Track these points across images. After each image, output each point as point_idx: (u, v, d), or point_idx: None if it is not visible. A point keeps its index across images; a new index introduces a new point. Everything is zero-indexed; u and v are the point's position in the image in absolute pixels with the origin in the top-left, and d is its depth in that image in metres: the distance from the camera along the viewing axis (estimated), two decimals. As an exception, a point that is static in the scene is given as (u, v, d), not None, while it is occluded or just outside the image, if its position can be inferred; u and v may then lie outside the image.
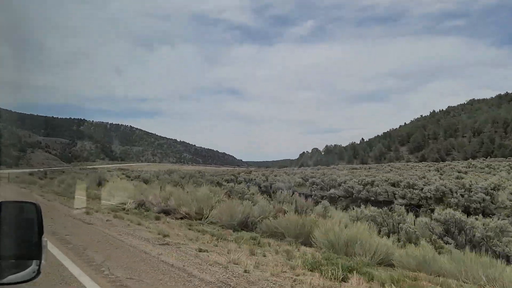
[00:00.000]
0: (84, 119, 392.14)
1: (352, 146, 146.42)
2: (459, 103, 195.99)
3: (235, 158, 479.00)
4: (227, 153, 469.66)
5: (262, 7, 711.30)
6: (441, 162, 75.66)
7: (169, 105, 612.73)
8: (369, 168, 66.16)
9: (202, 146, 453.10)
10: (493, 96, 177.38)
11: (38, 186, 30.62)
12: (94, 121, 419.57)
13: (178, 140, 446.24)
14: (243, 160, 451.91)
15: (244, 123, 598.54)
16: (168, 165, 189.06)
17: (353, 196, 23.09)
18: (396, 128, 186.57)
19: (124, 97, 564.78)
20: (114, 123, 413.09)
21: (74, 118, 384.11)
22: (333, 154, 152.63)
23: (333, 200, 22.73)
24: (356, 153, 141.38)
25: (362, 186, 24.35)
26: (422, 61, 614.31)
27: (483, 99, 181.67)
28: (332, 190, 24.87)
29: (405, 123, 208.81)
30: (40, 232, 1.89)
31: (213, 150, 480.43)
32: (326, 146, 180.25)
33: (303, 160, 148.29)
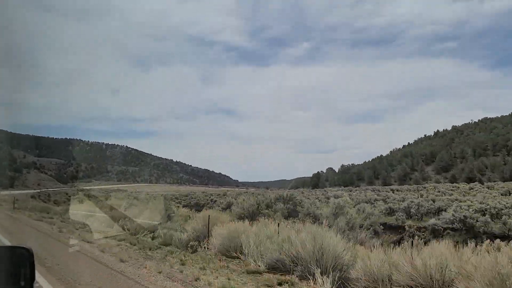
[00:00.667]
0: (79, 139, 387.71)
1: (372, 165, 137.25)
2: (466, 122, 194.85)
3: (231, 178, 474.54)
4: (222, 173, 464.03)
5: (258, 28, 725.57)
6: (478, 183, 72.22)
7: (165, 125, 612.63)
8: (409, 190, 60.86)
9: (199, 167, 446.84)
10: (505, 115, 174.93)
11: (57, 216, 23.78)
12: (90, 141, 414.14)
13: (174, 160, 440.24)
14: (239, 181, 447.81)
15: (240, 143, 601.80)
16: (167, 186, 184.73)
17: (474, 229, 18.69)
18: (401, 147, 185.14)
19: (119, 117, 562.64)
20: (109, 143, 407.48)
21: (69, 138, 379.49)
22: (351, 174, 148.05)
23: (436, 234, 18.70)
24: (378, 173, 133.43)
25: (481, 215, 20.01)
26: (415, 82, 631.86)
27: (496, 117, 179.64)
28: (433, 220, 20.44)
29: (408, 143, 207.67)
30: (32, 278, 1.87)
31: (209, 170, 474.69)
32: (342, 165, 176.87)
33: (320, 180, 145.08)
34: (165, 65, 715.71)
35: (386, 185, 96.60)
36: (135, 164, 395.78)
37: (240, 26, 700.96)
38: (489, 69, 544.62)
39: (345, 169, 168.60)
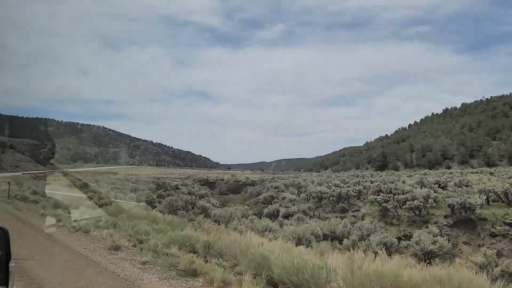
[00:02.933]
0: (52, 119, 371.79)
1: (382, 152, 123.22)
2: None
3: (211, 160, 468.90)
4: (203, 155, 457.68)
5: (232, 10, 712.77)
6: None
7: (138, 108, 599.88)
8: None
9: (180, 148, 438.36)
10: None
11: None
12: (63, 121, 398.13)
13: (154, 142, 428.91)
14: (220, 163, 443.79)
15: (216, 125, 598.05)
16: (156, 168, 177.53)
17: None
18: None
19: (90, 99, 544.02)
20: (85, 123, 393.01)
21: (41, 118, 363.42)
22: (356, 157, 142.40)
23: None
24: (387, 158, 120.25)
25: None
26: (388, 67, 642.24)
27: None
28: None
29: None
30: (8, 257, 1.89)
31: (191, 152, 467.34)
32: (344, 148, 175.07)
33: (322, 163, 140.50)
34: (137, 45, 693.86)
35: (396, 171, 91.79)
36: (113, 146, 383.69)
37: (214, 6, 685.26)
38: (459, 54, 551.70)
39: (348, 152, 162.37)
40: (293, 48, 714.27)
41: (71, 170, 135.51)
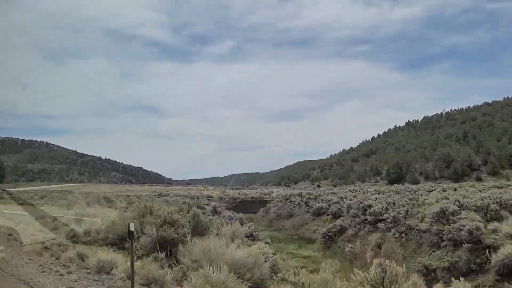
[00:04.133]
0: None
1: (396, 163, 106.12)
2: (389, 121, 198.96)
3: (163, 176, 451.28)
4: (153, 171, 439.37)
5: (180, 25, 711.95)
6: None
7: (83, 122, 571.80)
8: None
9: (131, 164, 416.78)
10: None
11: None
12: (1, 136, 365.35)
13: (103, 157, 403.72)
14: (172, 179, 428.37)
15: (165, 140, 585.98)
16: (111, 185, 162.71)
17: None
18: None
19: (29, 113, 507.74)
20: (26, 138, 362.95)
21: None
22: (334, 171, 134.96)
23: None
24: (402, 170, 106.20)
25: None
26: (333, 83, 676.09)
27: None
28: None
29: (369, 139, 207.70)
30: None
31: (143, 168, 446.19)
32: (304, 161, 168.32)
33: (291, 176, 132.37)
34: (81, 58, 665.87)
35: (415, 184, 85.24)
36: (59, 162, 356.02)
37: (162, 21, 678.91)
38: (398, 72, 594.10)
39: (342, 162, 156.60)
40: (242, 64, 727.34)
41: (16, 189, 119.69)
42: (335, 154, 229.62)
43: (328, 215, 30.15)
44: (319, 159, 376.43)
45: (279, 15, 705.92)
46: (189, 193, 79.41)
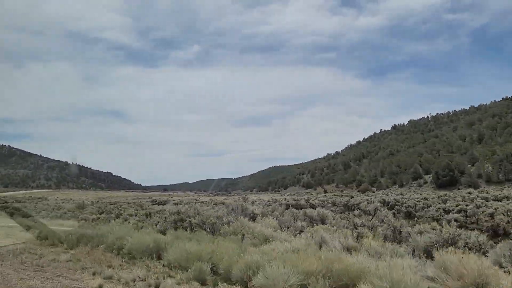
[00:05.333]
0: None
1: (447, 164, 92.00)
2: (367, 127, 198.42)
3: (132, 182, 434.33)
4: (122, 176, 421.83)
5: (145, 28, 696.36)
6: None
7: (42, 127, 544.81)
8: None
9: (100, 170, 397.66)
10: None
11: None
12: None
13: (70, 162, 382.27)
14: (142, 185, 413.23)
15: (131, 145, 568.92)
16: (84, 191, 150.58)
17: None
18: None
19: None
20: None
21: None
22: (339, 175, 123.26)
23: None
24: (454, 172, 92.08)
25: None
26: (299, 89, 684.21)
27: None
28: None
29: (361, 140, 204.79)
30: None
31: (112, 174, 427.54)
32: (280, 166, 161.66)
33: (279, 182, 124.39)
34: (40, 61, 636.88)
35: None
36: (22, 167, 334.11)
37: (127, 24, 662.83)
38: (361, 79, 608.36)
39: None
40: (208, 69, 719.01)
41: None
42: (318, 158, 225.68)
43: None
44: (291, 164, 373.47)
45: (246, 21, 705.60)
46: (196, 200, 71.08)
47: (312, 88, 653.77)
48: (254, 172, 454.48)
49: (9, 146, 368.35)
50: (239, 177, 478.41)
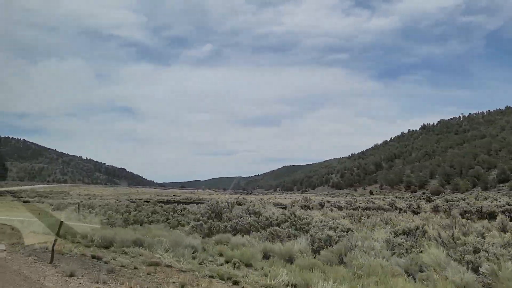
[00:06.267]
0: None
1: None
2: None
3: (144, 178, 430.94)
4: (135, 173, 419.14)
5: (159, 26, 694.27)
6: None
7: (56, 122, 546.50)
8: None
9: (113, 165, 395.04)
10: None
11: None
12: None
13: (84, 157, 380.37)
14: (154, 181, 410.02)
15: (141, 143, 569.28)
16: (103, 188, 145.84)
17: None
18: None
19: (2, 112, 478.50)
20: (1, 135, 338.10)
21: None
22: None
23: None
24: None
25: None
26: (310, 90, 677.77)
27: None
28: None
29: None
30: None
31: (125, 169, 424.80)
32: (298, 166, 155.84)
33: (304, 181, 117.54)
34: (55, 57, 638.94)
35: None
36: (38, 161, 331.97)
37: (140, 22, 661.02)
38: (373, 81, 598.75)
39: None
40: (220, 68, 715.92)
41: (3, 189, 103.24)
42: (341, 158, 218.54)
43: None
44: (304, 164, 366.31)
45: (258, 21, 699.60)
46: (238, 199, 64.95)
47: (323, 89, 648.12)
48: (267, 171, 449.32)
49: (24, 140, 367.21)
50: (251, 176, 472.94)
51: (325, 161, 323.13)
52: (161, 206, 31.35)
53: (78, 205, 18.54)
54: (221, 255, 9.75)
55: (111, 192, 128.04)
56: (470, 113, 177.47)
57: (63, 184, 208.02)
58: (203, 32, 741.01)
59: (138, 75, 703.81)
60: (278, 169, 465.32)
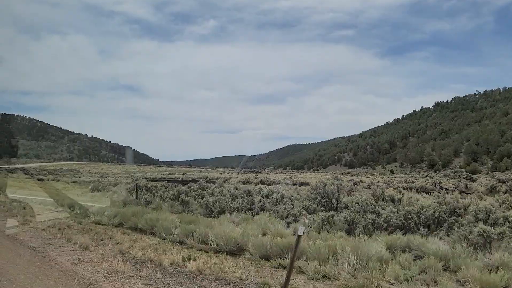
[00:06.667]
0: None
1: None
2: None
3: (149, 157, 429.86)
4: (139, 151, 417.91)
5: (162, 2, 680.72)
6: None
7: (59, 100, 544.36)
8: None
9: (119, 143, 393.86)
10: None
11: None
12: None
13: (90, 135, 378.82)
14: (160, 160, 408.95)
15: (146, 120, 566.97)
16: (112, 166, 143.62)
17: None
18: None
19: (4, 90, 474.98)
20: (7, 113, 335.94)
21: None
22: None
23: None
24: None
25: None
26: (316, 67, 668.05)
27: None
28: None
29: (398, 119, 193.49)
30: None
31: (131, 148, 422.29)
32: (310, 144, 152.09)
33: (318, 161, 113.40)
34: (58, 34, 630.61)
35: None
36: (44, 139, 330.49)
37: None
38: (380, 58, 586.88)
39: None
40: (224, 45, 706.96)
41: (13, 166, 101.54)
42: (350, 136, 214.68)
43: None
44: (310, 142, 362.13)
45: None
46: (271, 180, 62.10)
47: (328, 66, 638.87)
48: (272, 150, 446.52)
49: (29, 117, 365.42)
50: (256, 155, 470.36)
51: (330, 139, 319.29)
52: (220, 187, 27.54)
53: (135, 187, 15.50)
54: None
55: (120, 170, 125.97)
56: (486, 90, 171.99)
57: (70, 162, 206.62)
58: (207, 8, 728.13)
59: (142, 52, 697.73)
60: (283, 147, 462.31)
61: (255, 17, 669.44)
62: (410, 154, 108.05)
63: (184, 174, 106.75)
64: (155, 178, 70.39)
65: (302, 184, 47.86)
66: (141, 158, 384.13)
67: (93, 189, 23.81)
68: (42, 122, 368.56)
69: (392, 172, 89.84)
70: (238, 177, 64.73)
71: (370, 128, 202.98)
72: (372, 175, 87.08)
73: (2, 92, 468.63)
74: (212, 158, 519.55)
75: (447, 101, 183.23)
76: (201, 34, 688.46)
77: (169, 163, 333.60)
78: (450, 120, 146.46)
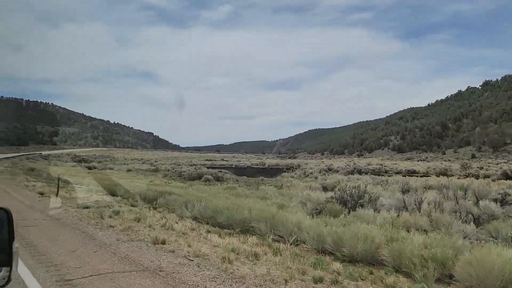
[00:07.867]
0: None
1: None
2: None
3: (169, 142, 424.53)
4: (160, 137, 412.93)
5: None
6: None
7: (77, 87, 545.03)
8: None
9: (141, 129, 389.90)
10: None
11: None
12: (4, 97, 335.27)
13: (112, 121, 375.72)
14: (180, 146, 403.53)
15: (161, 107, 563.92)
16: (140, 152, 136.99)
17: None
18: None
19: (25, 78, 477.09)
20: (30, 99, 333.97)
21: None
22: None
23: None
24: None
25: None
26: (332, 51, 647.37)
27: None
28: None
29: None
30: (11, 238, 1.86)
31: (152, 134, 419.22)
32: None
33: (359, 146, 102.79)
34: (75, 22, 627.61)
35: None
36: (67, 125, 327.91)
37: None
38: (398, 41, 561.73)
39: None
40: (239, 30, 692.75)
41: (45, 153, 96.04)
42: (387, 116, 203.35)
43: None
44: (330, 127, 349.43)
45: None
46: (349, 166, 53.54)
47: (345, 51, 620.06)
48: (292, 135, 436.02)
49: (52, 104, 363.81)
50: (275, 140, 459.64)
51: (356, 123, 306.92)
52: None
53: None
54: None
55: (151, 156, 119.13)
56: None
57: (99, 148, 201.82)
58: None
59: (157, 38, 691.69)
60: (304, 132, 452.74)
61: (270, 1, 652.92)
62: (490, 136, 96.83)
63: (222, 159, 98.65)
64: (214, 165, 62.74)
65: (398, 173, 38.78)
66: (162, 144, 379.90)
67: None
68: (65, 108, 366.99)
69: (473, 156, 79.86)
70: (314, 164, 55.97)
71: (409, 109, 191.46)
72: (446, 160, 77.38)
73: (25, 79, 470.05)
74: (232, 144, 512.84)
75: (497, 80, 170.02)
76: (216, 19, 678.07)
77: (196, 149, 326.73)
78: (507, 99, 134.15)
